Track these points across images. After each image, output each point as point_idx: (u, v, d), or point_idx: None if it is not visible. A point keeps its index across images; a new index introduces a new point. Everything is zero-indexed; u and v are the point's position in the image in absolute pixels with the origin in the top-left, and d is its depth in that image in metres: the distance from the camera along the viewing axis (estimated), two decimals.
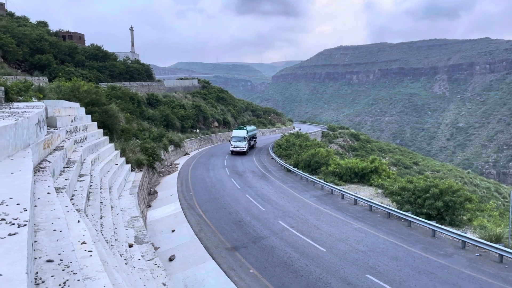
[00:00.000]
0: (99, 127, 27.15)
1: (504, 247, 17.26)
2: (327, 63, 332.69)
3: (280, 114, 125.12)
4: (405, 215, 22.52)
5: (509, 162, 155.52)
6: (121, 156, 28.06)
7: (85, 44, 72.26)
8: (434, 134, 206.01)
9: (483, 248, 18.10)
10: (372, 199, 26.53)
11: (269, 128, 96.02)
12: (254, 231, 20.72)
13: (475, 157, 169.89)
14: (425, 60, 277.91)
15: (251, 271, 15.58)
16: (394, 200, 26.07)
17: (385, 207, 24.44)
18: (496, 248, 17.23)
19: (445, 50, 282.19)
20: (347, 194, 28.39)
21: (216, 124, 76.80)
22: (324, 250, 17.94)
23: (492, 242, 18.23)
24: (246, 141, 53.68)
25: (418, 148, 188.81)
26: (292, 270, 15.67)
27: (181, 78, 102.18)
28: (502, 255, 17.06)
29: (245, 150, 52.99)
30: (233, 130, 57.78)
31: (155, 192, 30.99)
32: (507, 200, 67.76)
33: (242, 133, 54.94)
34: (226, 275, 15.20)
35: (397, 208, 24.50)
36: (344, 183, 33.72)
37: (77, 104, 24.95)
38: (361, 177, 34.85)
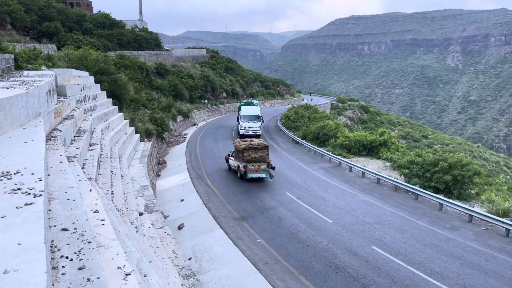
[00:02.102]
0: (108, 97, 27.20)
1: (511, 221, 17.31)
2: (338, 33, 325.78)
3: (289, 86, 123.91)
4: (413, 189, 22.57)
5: None
6: (130, 126, 28.22)
7: (93, 12, 71.37)
8: (445, 107, 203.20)
9: (490, 222, 18.16)
10: (380, 172, 26.56)
11: (277, 99, 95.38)
12: (262, 201, 20.96)
13: (485, 131, 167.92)
14: (439, 31, 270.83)
15: (258, 240, 15.87)
16: (402, 173, 26.08)
17: (393, 180, 24.48)
18: (503, 222, 17.29)
19: (460, 20, 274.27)
20: (355, 167, 28.42)
21: (224, 94, 76.42)
22: (331, 221, 18.15)
23: (499, 216, 18.28)
24: (261, 121, 42.35)
25: (428, 121, 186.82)
26: (298, 241, 15.93)
27: (190, 48, 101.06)
28: (509, 230, 17.13)
29: (260, 133, 41.17)
30: (241, 106, 45.10)
31: (164, 162, 31.29)
32: None
33: (254, 110, 43.38)
34: (234, 244, 15.51)
35: (405, 182, 24.53)
36: (352, 155, 33.70)
37: (86, 73, 24.92)
38: (370, 150, 34.77)
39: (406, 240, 16.21)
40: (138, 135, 28.33)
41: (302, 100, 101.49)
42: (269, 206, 20.27)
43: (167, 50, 78.91)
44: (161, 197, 22.31)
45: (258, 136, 39.30)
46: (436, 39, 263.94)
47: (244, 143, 25.02)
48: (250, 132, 40.50)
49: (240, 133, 41.17)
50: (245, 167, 24.26)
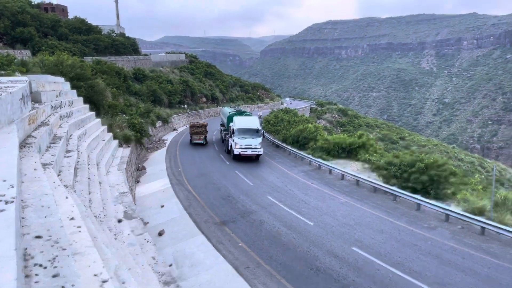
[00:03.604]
0: (85, 102, 26.71)
1: (486, 219, 17.78)
2: (316, 38, 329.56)
3: (269, 90, 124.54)
4: (391, 189, 22.94)
5: (493, 137, 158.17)
6: (108, 132, 27.76)
7: (68, 17, 70.17)
8: (420, 109, 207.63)
9: (466, 220, 18.61)
10: (359, 174, 26.89)
11: (257, 103, 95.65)
12: (243, 206, 20.93)
13: (460, 132, 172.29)
14: (413, 35, 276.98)
15: (239, 244, 15.83)
16: (380, 174, 26.46)
17: (371, 182, 24.83)
18: (478, 221, 17.75)
19: (434, 25, 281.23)
20: (335, 169, 28.70)
21: (204, 99, 76.18)
22: (312, 224, 18.25)
23: (474, 214, 18.74)
24: (261, 136, 33.07)
25: (405, 123, 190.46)
26: (280, 244, 15.95)
27: (168, 53, 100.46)
28: (484, 228, 17.58)
29: (261, 152, 32.67)
30: (233, 117, 34.71)
31: (144, 168, 30.92)
32: (490, 174, 69.25)
33: (252, 121, 33.57)
34: (215, 248, 15.43)
35: (383, 183, 24.90)
36: (332, 158, 34.02)
37: (62, 79, 24.45)
38: (349, 152, 35.17)
39: (385, 241, 16.44)
40: (117, 141, 27.91)
41: (282, 104, 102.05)
42: (250, 210, 20.25)
43: (145, 55, 78.24)
44: (141, 204, 22.01)
45: (258, 156, 32.88)
46: (411, 43, 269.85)
47: (192, 124, 41.48)
48: (249, 152, 31.97)
49: (235, 153, 31.93)
50: (191, 137, 40.80)
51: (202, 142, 40.35)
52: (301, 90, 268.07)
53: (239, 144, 31.89)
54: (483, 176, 61.65)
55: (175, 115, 58.19)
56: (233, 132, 32.68)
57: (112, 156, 23.65)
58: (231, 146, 33.61)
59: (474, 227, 18.32)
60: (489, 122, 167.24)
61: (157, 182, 26.25)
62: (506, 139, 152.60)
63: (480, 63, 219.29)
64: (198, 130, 40.52)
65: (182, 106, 65.95)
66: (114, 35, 69.88)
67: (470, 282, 13.00)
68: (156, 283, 9.08)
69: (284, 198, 22.32)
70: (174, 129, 53.99)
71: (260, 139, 32.54)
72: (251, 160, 33.07)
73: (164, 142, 43.36)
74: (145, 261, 10.27)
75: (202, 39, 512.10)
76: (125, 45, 67.96)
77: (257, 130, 32.72)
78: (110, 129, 29.25)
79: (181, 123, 59.19)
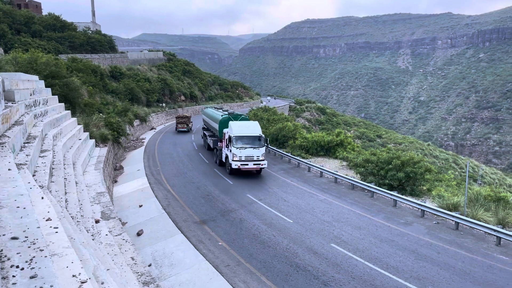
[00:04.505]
0: (60, 101, 26.19)
1: (460, 215, 18.30)
2: (295, 37, 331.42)
3: (248, 88, 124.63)
4: (369, 186, 23.35)
5: (466, 135, 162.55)
6: (84, 131, 27.31)
7: (42, 13, 68.49)
8: (397, 107, 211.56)
9: (441, 216, 19.11)
10: (337, 172, 27.25)
11: (237, 102, 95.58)
12: (223, 204, 20.92)
13: (435, 130, 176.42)
14: (390, 35, 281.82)
15: (219, 243, 15.82)
16: (358, 172, 26.88)
17: (349, 179, 25.20)
18: (453, 216, 18.25)
19: (409, 24, 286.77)
20: (314, 167, 28.99)
21: (182, 98, 75.64)
22: (291, 221, 18.40)
23: (449, 210, 19.27)
24: (264, 145, 27.21)
25: (382, 121, 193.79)
26: (260, 241, 16.03)
27: (146, 50, 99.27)
28: (458, 223, 18.10)
29: (265, 165, 27.05)
30: (228, 121, 29.03)
31: (121, 168, 30.52)
32: (464, 170, 71.23)
33: (252, 127, 27.69)
34: (195, 248, 15.37)
35: (361, 180, 25.33)
36: (310, 156, 34.35)
37: (36, 77, 23.88)
38: (327, 150, 35.58)
39: (363, 237, 16.72)
40: (93, 140, 27.47)
41: (261, 102, 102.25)
42: (230, 208, 20.26)
43: (122, 53, 77.13)
44: (119, 204, 21.73)
45: (260, 171, 27.65)
46: (387, 42, 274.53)
47: (178, 116, 52.08)
48: (250, 165, 26.36)
49: (233, 166, 26.24)
50: (176, 125, 50.46)
51: (185, 129, 49.80)
52: (280, 88, 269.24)
53: (238, 156, 26.17)
54: (457, 173, 63.38)
55: (153, 114, 57.56)
56: (229, 141, 26.86)
57: (88, 155, 23.26)
58: (226, 157, 28.11)
59: (449, 222, 18.84)
60: (463, 120, 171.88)
61: (135, 182, 25.95)
62: (479, 137, 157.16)
63: (454, 62, 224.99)
64: (182, 120, 50.27)
65: (160, 104, 65.32)
66: (90, 32, 68.62)
67: (445, 276, 13.37)
68: (135, 283, 9.02)
69: (263, 196, 22.42)
70: (152, 128, 53.43)
71: (263, 150, 26.86)
72: None
73: (142, 141, 42.88)
74: (124, 261, 10.18)
75: (180, 37, 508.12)
76: (102, 43, 66.83)
77: (259, 138, 26.95)
78: (86, 128, 28.77)
79: (159, 122, 58.61)
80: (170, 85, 70.61)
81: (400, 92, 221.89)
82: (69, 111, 25.75)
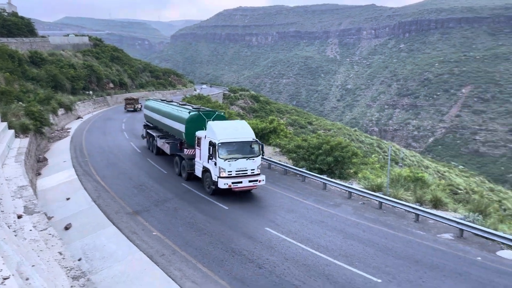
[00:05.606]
0: None
1: (383, 195, 19.70)
2: (227, 24, 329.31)
3: (181, 76, 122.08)
4: (300, 171, 24.23)
5: (389, 120, 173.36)
6: (2, 121, 25.26)
7: None
8: (326, 95, 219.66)
9: (366, 197, 20.43)
10: (271, 158, 27.89)
11: (169, 90, 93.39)
12: (157, 194, 20.56)
13: (361, 116, 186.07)
14: (318, 24, 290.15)
15: (154, 233, 15.59)
16: (290, 157, 27.73)
17: (282, 165, 25.96)
18: (377, 196, 19.59)
19: (337, 15, 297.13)
20: None
21: (111, 85, 72.32)
22: (227, 208, 18.59)
23: (373, 191, 20.62)
24: (260, 154, 20.30)
25: (312, 108, 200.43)
26: (195, 229, 16.04)
27: (69, 35, 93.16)
28: (382, 202, 19.47)
29: (264, 181, 20.30)
30: (209, 123, 20.53)
31: (45, 159, 28.66)
32: (386, 154, 76.14)
33: (243, 130, 20.63)
34: (128, 239, 15.00)
35: (293, 165, 26.17)
36: None
37: None
38: (261, 137, 36.05)
39: (295, 219, 17.39)
40: (13, 131, 25.49)
41: (195, 90, 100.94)
42: (164, 198, 19.97)
43: (42, 37, 71.73)
44: (44, 197, 20.47)
45: (253, 187, 20.35)
46: (316, 31, 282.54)
47: (126, 98, 62.18)
48: (245, 183, 19.63)
49: (221, 185, 19.19)
50: (125, 106, 58.99)
51: (132, 109, 57.82)
52: (214, 76, 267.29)
53: (227, 171, 19.29)
54: (380, 156, 67.62)
55: (79, 102, 54.49)
56: (213, 149, 19.45)
57: (8, 147, 21.62)
58: (203, 171, 20.97)
59: (373, 202, 20.18)
60: (386, 107, 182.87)
61: (61, 174, 24.54)
62: (399, 122, 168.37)
63: (378, 52, 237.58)
64: (130, 101, 59.02)
65: (87, 92, 61.95)
66: (6, 14, 62.94)
67: (370, 252, 14.37)
68: (64, 278, 8.67)
69: (199, 184, 22.34)
70: (79, 117, 50.61)
71: (259, 160, 20.20)
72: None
73: (68, 131, 40.51)
74: (51, 256, 9.71)
75: (108, 21, 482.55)
76: (19, 26, 61.62)
77: (252, 144, 20.15)
78: (4, 118, 26.66)
79: (86, 111, 55.62)
80: (97, 72, 67.13)
81: (329, 81, 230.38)
82: None
